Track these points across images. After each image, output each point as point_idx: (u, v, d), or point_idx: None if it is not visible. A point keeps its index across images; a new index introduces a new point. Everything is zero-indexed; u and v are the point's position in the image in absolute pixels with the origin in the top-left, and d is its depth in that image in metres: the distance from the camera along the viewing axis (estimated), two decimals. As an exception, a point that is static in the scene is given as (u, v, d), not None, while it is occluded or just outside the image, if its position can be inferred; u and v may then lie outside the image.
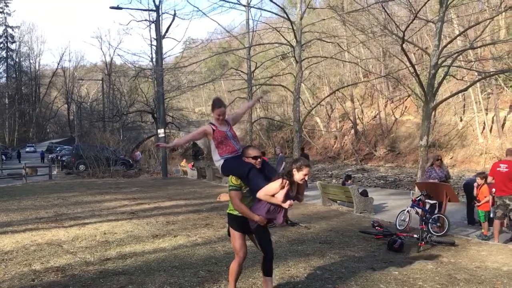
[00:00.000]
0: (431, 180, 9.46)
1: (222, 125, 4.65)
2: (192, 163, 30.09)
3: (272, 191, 4.27)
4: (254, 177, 4.35)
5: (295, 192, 4.43)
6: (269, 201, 4.28)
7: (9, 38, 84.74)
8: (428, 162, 10.94)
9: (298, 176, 4.31)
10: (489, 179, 8.45)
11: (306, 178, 4.35)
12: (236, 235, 4.51)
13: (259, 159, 4.43)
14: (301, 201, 4.71)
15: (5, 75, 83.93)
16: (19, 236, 8.00)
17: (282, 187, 4.22)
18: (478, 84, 28.07)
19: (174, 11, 50.67)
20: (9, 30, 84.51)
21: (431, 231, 8.11)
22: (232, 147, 4.59)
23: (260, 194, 4.30)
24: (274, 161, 18.67)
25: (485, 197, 8.77)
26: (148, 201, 13.47)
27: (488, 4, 23.64)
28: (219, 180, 20.74)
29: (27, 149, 64.75)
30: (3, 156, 43.71)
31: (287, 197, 4.28)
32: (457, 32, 19.65)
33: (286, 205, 4.26)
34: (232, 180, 4.44)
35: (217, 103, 4.63)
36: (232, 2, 21.33)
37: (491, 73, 17.61)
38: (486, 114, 31.20)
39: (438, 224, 8.48)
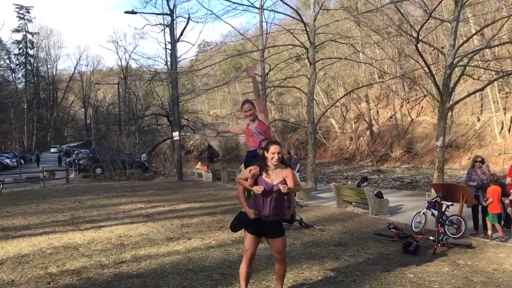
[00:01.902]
0: (471, 183, 9.07)
1: (252, 122, 5.09)
2: (207, 166, 30.22)
3: (244, 175, 4.37)
4: (251, 164, 4.59)
5: (280, 180, 4.28)
6: (242, 184, 4.42)
7: (28, 44, 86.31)
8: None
9: (268, 156, 4.28)
10: (508, 179, 8.29)
11: (276, 156, 4.24)
12: (248, 233, 4.52)
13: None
14: (290, 190, 4.33)
15: (24, 80, 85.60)
16: (36, 239, 8.12)
17: (250, 171, 4.29)
18: (495, 83, 27.70)
19: (188, 14, 51.08)
20: (29, 36, 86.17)
21: (448, 233, 8.00)
22: (258, 142, 4.96)
23: (238, 176, 4.50)
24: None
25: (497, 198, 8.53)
26: (163, 204, 13.55)
27: (505, 2, 23.28)
28: (234, 183, 20.76)
29: (52, 150, 70.34)
30: (21, 160, 44.40)
31: (256, 183, 4.29)
32: (473, 31, 19.40)
33: (255, 189, 4.23)
34: (243, 168, 4.78)
35: (243, 102, 5.19)
36: (245, 5, 21.48)
37: (509, 72, 17.32)
38: (505, 113, 30.73)
39: (454, 226, 8.36)
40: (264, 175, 4.32)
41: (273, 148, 4.25)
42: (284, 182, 4.27)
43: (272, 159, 4.26)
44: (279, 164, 4.36)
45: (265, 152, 4.32)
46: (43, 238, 8.23)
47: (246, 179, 4.34)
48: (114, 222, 10.03)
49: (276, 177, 4.32)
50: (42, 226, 9.65)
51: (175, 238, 8.06)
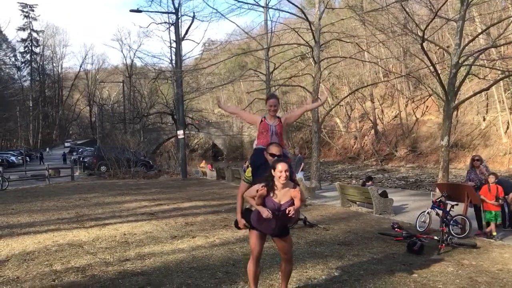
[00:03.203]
0: (470, 183, 9.02)
1: (272, 119, 4.86)
2: (212, 164, 30.25)
3: (252, 193, 4.20)
4: (258, 174, 4.43)
5: (288, 200, 4.14)
6: (250, 203, 4.27)
7: (34, 42, 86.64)
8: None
9: (276, 175, 4.10)
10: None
11: (284, 175, 4.05)
12: (253, 232, 4.44)
13: (276, 158, 4.40)
14: (294, 211, 4.12)
15: (29, 78, 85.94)
16: (41, 236, 8.15)
17: (257, 191, 4.12)
18: (501, 83, 27.57)
19: (193, 13, 50.68)
20: (34, 34, 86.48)
21: (452, 233, 7.97)
22: (268, 141, 4.71)
23: (246, 193, 4.32)
24: (292, 162, 18.64)
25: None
26: (168, 202, 13.57)
27: (511, 1, 23.16)
28: (238, 181, 20.77)
29: (66, 144, 74.71)
30: (27, 157, 44.63)
31: (263, 202, 4.12)
32: (479, 30, 19.30)
33: (264, 214, 4.06)
34: (248, 172, 4.57)
35: (269, 96, 4.99)
36: (250, 3, 21.43)
37: (515, 71, 17.20)
38: (510, 113, 30.57)
39: (459, 226, 8.33)
40: (271, 194, 4.18)
41: (281, 166, 4.08)
42: (291, 202, 4.14)
43: (280, 178, 4.09)
44: (288, 182, 4.19)
45: (272, 170, 4.16)
46: (48, 235, 8.26)
47: (254, 197, 4.21)
48: (119, 220, 10.06)
49: (284, 196, 4.18)
50: (47, 223, 9.69)
51: (179, 236, 8.08)
